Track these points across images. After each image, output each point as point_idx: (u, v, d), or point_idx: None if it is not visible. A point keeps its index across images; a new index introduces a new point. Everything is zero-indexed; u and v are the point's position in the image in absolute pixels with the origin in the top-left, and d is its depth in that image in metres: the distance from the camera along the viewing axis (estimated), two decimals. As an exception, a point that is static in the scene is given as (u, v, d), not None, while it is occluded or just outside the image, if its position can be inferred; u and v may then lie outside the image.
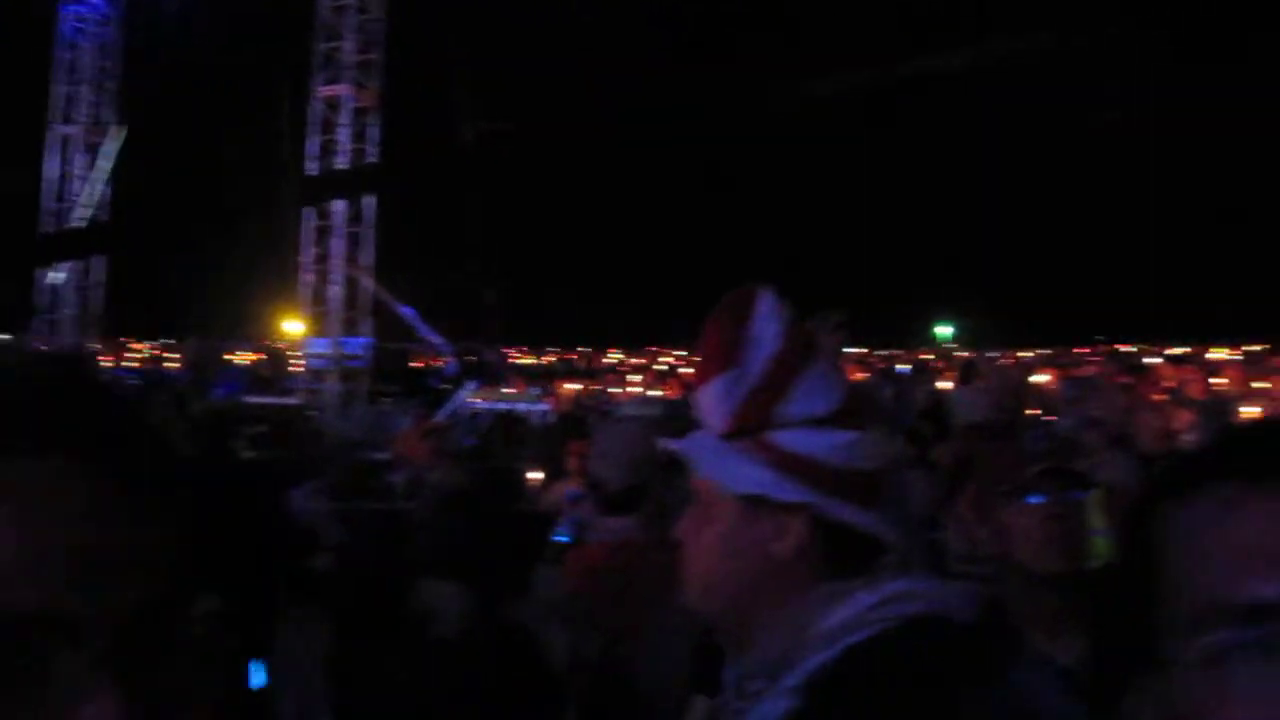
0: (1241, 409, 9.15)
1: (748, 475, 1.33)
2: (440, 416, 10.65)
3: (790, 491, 1.31)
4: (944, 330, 41.01)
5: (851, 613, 1.24)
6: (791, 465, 1.31)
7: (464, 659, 2.32)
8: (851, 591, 1.26)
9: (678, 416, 3.58)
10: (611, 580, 2.44)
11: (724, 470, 1.36)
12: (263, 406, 13.24)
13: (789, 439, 1.32)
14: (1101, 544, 5.79)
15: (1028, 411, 10.29)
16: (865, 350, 33.49)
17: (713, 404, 1.39)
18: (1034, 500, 2.00)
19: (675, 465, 2.65)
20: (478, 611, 2.58)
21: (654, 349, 37.03)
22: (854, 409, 1.34)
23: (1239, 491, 0.69)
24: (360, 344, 19.17)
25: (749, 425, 1.35)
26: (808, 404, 1.33)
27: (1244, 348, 23.35)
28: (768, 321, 1.38)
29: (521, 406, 11.92)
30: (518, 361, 30.12)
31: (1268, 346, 22.17)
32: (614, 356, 35.68)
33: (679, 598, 2.29)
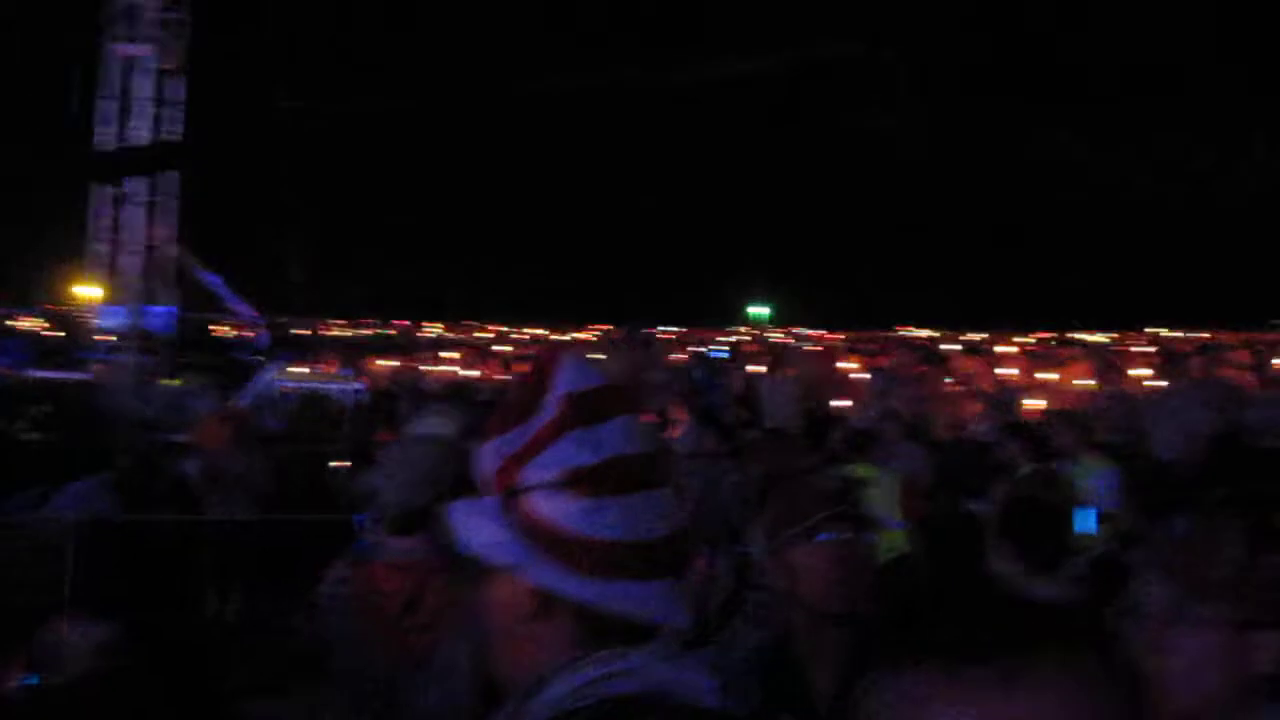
0: (1026, 400, 9.74)
1: (479, 536, 1.34)
2: (244, 399, 10.24)
3: (510, 556, 1.31)
4: (759, 310, 42.05)
5: (564, 689, 1.24)
6: (531, 530, 1.31)
7: (67, 707, 2.19)
8: (579, 665, 1.25)
9: (475, 433, 3.54)
10: (395, 604, 2.41)
11: (465, 529, 1.37)
12: (49, 382, 12.46)
13: (536, 503, 1.33)
14: (897, 536, 5.97)
15: (837, 402, 10.72)
16: (683, 330, 34.02)
17: (482, 463, 1.40)
18: (822, 539, 2.06)
19: (465, 485, 2.63)
20: (118, 650, 2.50)
21: (472, 323, 36.63)
22: (616, 473, 1.33)
23: (932, 680, 0.71)
24: (163, 314, 18.25)
25: (505, 487, 1.36)
26: (551, 467, 1.32)
27: (1035, 335, 24.83)
28: (558, 388, 1.38)
29: (333, 387, 11.54)
30: (331, 334, 29.27)
31: (1054, 336, 23.60)
32: (432, 330, 35.07)
33: (465, 623, 2.27)
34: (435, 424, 3.42)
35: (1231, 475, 7.11)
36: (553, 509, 1.31)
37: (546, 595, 1.30)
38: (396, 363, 17.41)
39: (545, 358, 1.43)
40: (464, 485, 2.58)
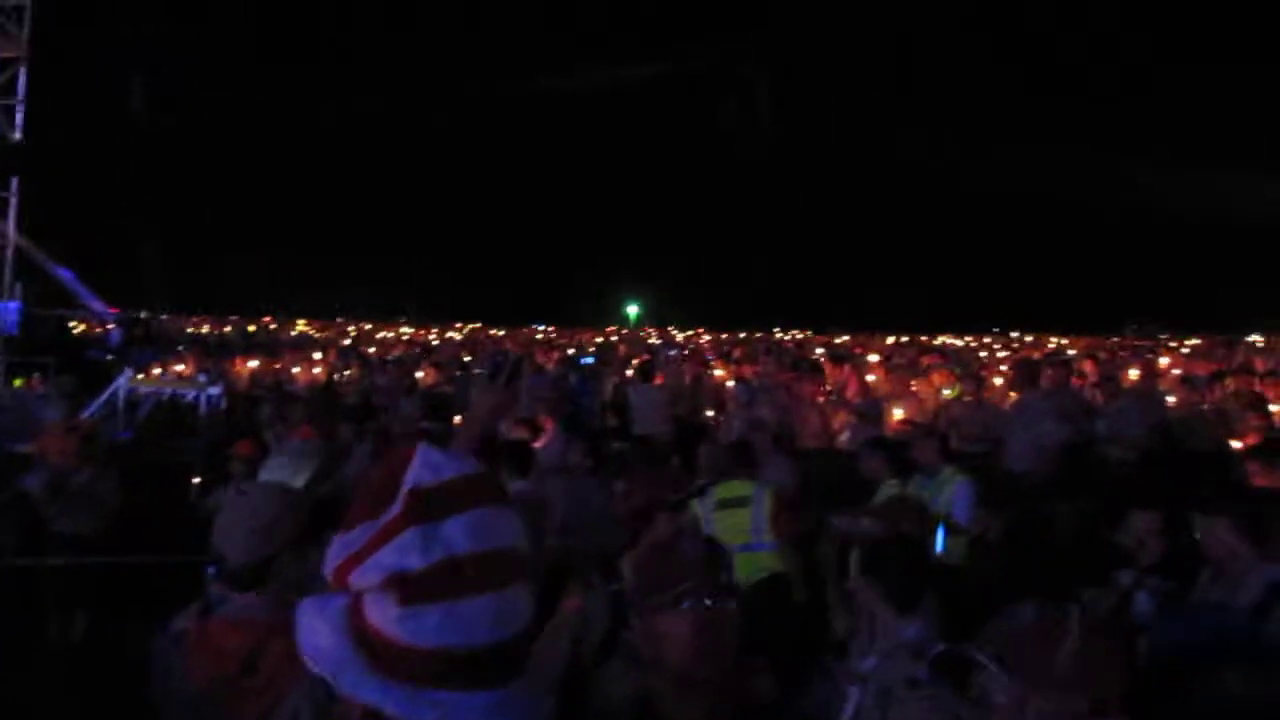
0: (893, 410, 9.90)
1: (312, 639, 1.29)
2: (94, 408, 9.75)
3: (331, 664, 1.26)
4: (633, 309, 42.35)
5: None
6: (361, 635, 1.26)
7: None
8: None
9: (326, 475, 3.40)
10: (234, 662, 2.28)
11: (304, 629, 1.30)
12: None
13: (366, 607, 1.27)
14: (769, 558, 5.95)
15: (706, 413, 10.77)
16: (554, 329, 33.93)
17: (328, 560, 1.33)
18: (687, 607, 2.04)
19: (308, 536, 2.51)
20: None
21: (341, 321, 35.87)
22: (443, 577, 1.26)
23: None
24: (8, 310, 17.35)
25: (343, 587, 1.29)
26: (379, 570, 1.26)
27: (896, 337, 25.51)
28: (406, 483, 1.31)
29: (190, 393, 11.03)
30: (191, 331, 28.27)
31: (915, 339, 24.28)
32: (300, 327, 34.26)
33: (307, 685, 2.17)
34: (282, 469, 3.25)
35: (1079, 487, 7.42)
36: (377, 614, 1.25)
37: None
38: (257, 363, 16.78)
39: (399, 451, 1.37)
40: (309, 535, 2.47)
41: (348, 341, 25.42)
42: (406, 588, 1.24)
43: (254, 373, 16.13)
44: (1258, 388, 10.85)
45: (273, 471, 3.34)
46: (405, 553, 1.26)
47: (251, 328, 32.27)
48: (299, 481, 3.20)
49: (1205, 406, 9.85)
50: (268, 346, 22.50)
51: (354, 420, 8.88)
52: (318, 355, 18.61)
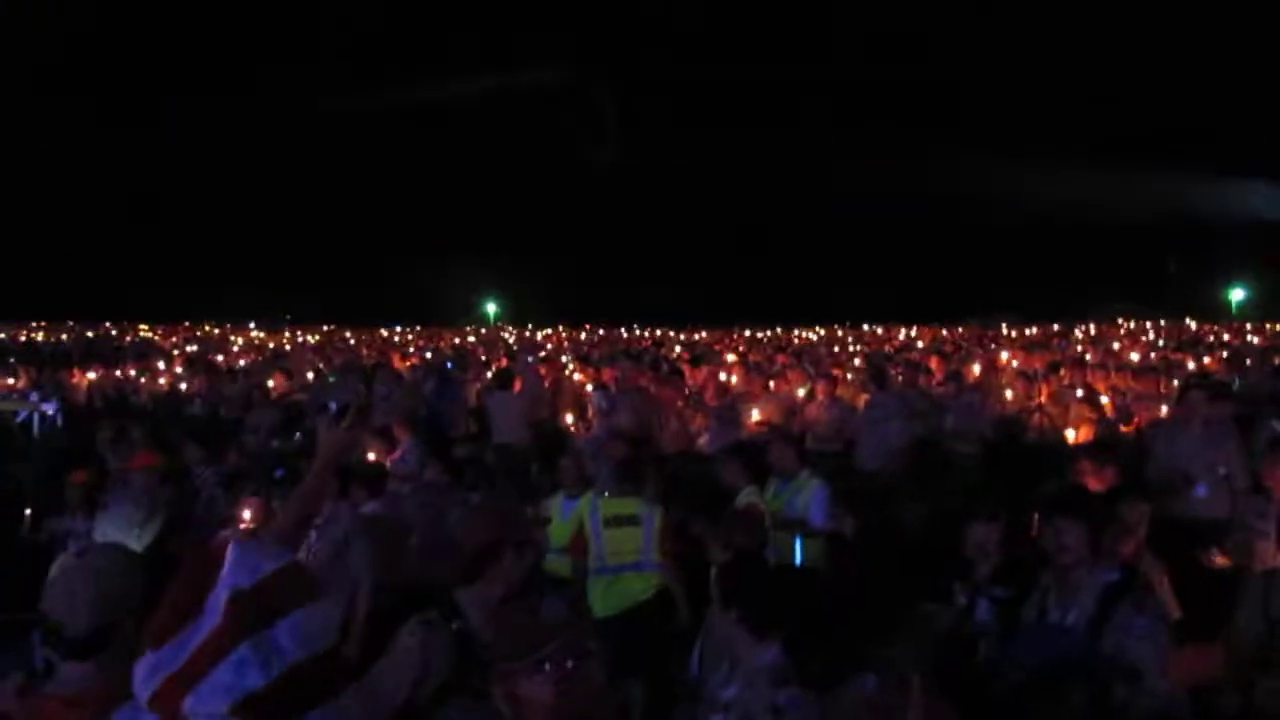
0: (751, 412, 10.03)
1: None
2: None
3: None
4: (491, 308, 41.99)
5: None
6: None
7: None
8: None
9: (173, 526, 3.23)
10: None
11: None
12: None
13: None
14: (654, 576, 5.87)
15: (566, 419, 10.72)
16: (415, 329, 33.35)
17: (139, 683, 1.24)
18: (548, 671, 2.01)
19: (148, 600, 2.39)
20: None
21: (189, 325, 34.57)
22: (290, 693, 1.21)
23: None
24: None
25: (169, 714, 1.22)
26: (219, 695, 1.19)
27: (757, 330, 25.94)
28: (222, 584, 1.23)
29: (21, 413, 10.37)
30: (23, 339, 26.84)
31: (774, 335, 24.74)
32: (143, 332, 32.87)
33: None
34: (123, 520, 3.07)
35: (927, 485, 7.69)
36: None
37: None
38: (95, 375, 15.88)
39: (206, 548, 1.29)
40: (153, 598, 2.35)
41: (194, 348, 24.47)
42: (258, 711, 1.18)
43: (93, 385, 15.34)
44: (1089, 379, 11.39)
45: (113, 522, 3.14)
46: (244, 670, 1.19)
47: (90, 334, 30.73)
48: (144, 534, 3.02)
49: (1040, 400, 10.26)
50: (108, 355, 21.41)
51: (200, 438, 8.50)
52: (162, 364, 17.84)
